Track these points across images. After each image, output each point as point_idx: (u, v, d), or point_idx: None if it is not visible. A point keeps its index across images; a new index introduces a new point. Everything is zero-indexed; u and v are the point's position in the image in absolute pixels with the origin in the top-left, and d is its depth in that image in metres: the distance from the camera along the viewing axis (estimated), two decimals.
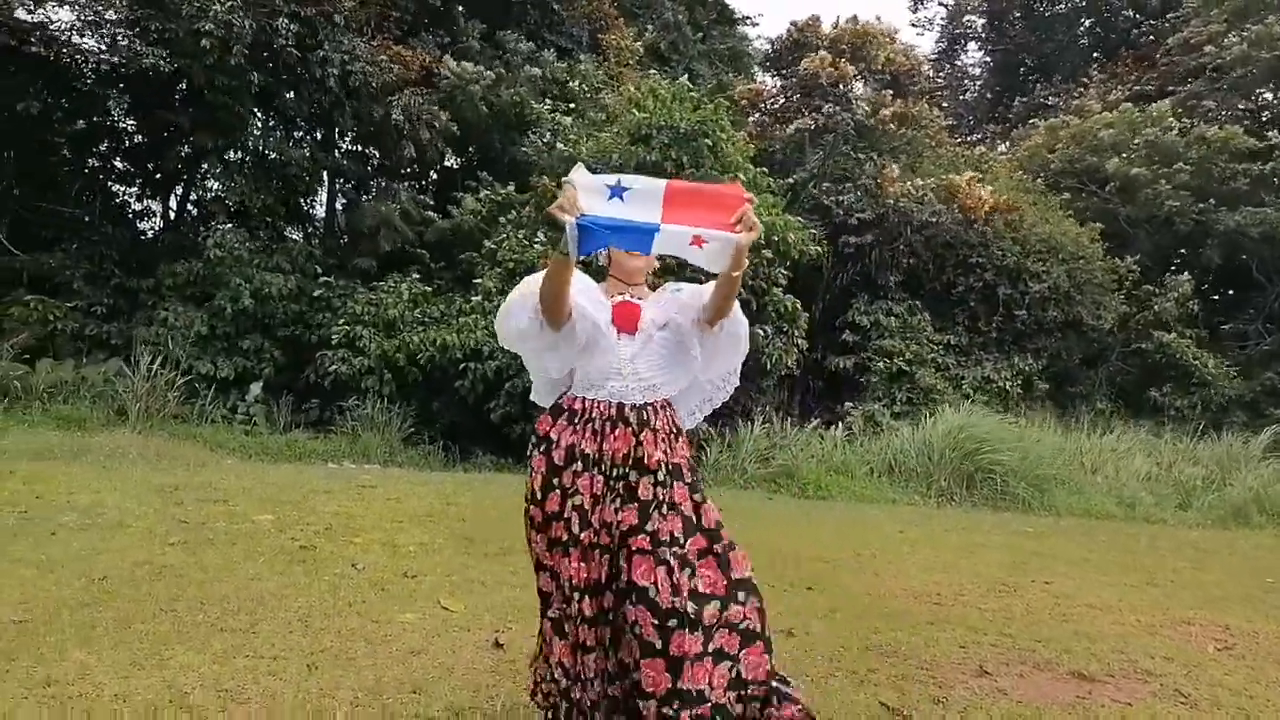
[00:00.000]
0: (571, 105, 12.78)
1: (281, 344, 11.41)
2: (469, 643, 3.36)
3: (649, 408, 2.42)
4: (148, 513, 5.14)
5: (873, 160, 14.93)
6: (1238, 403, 15.62)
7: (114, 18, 10.88)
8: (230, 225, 11.84)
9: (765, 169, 12.30)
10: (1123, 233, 17.43)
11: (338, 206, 14.25)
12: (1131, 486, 11.79)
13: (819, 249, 12.34)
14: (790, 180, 13.94)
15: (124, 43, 11.11)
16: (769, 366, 11.10)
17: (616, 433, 2.36)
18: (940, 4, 27.44)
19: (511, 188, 12.06)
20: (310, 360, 11.10)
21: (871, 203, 14.40)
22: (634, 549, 2.28)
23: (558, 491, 2.33)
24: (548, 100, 12.82)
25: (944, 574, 5.57)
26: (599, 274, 2.59)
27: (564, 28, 14.34)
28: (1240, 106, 19.40)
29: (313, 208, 14.39)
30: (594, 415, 2.38)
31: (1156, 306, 15.79)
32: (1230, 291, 18.98)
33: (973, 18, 26.73)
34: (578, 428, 2.37)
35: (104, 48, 11.42)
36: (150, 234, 13.41)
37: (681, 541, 2.27)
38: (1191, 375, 15.39)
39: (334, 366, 10.60)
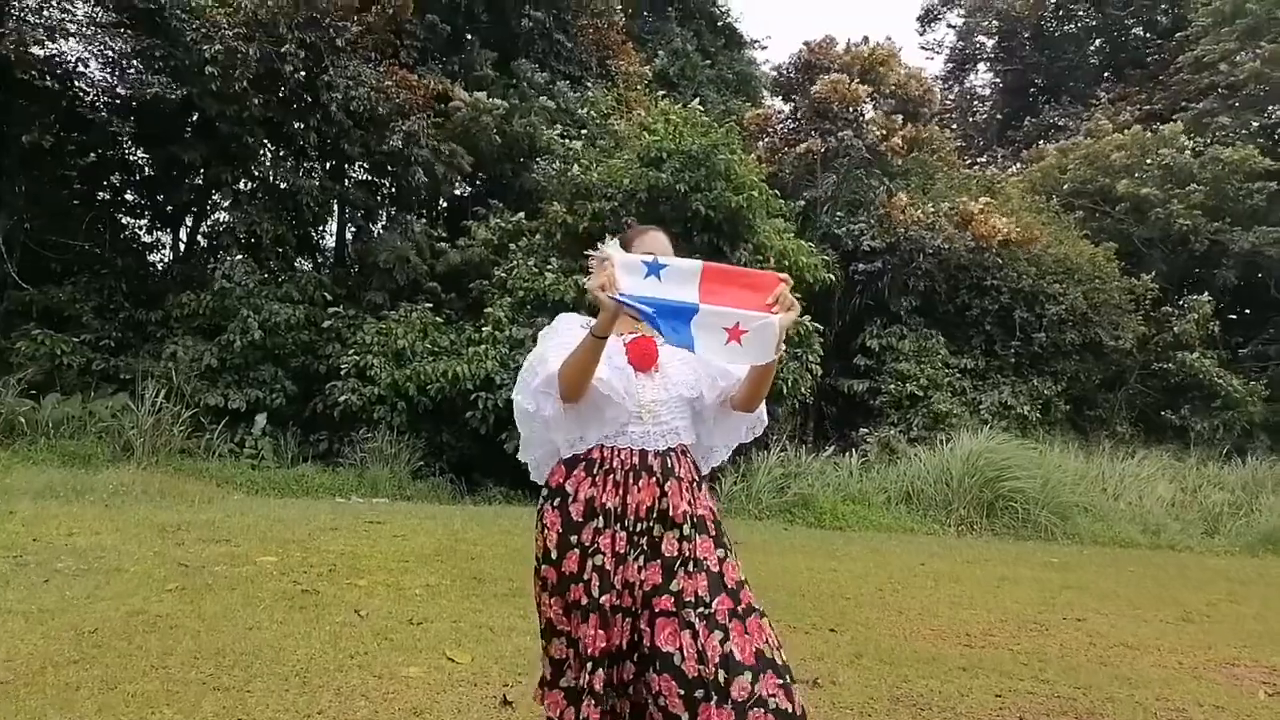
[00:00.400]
0: (582, 130, 12.73)
1: (292, 375, 11.31)
2: (476, 700, 3.16)
3: (672, 454, 2.20)
4: (147, 555, 4.99)
5: (886, 186, 14.81)
6: (1262, 426, 15.35)
7: (122, 48, 10.89)
8: (240, 256, 11.79)
9: (776, 191, 12.20)
10: (1138, 253, 17.25)
11: (347, 236, 14.21)
12: (1156, 513, 11.54)
13: (832, 276, 12.21)
14: (800, 202, 13.81)
15: (131, 73, 11.13)
16: (784, 392, 10.94)
17: (640, 483, 2.13)
18: (949, 26, 27.48)
19: (521, 215, 11.98)
20: (319, 391, 10.99)
21: (883, 231, 14.27)
22: (657, 611, 2.08)
23: (576, 550, 2.11)
24: (558, 126, 12.79)
25: (971, 611, 5.36)
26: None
27: (572, 54, 14.33)
28: (1254, 124, 19.25)
29: (322, 238, 14.35)
30: (615, 465, 2.15)
31: (1177, 328, 15.55)
32: (1247, 311, 18.71)
33: (982, 39, 26.71)
34: (597, 479, 2.14)
35: (113, 79, 11.44)
36: (160, 266, 13.37)
37: (708, 601, 2.08)
38: (1214, 397, 15.13)
39: (344, 397, 10.48)
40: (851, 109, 15.58)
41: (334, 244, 14.34)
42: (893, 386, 13.76)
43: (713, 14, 18.54)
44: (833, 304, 14.04)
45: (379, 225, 14.25)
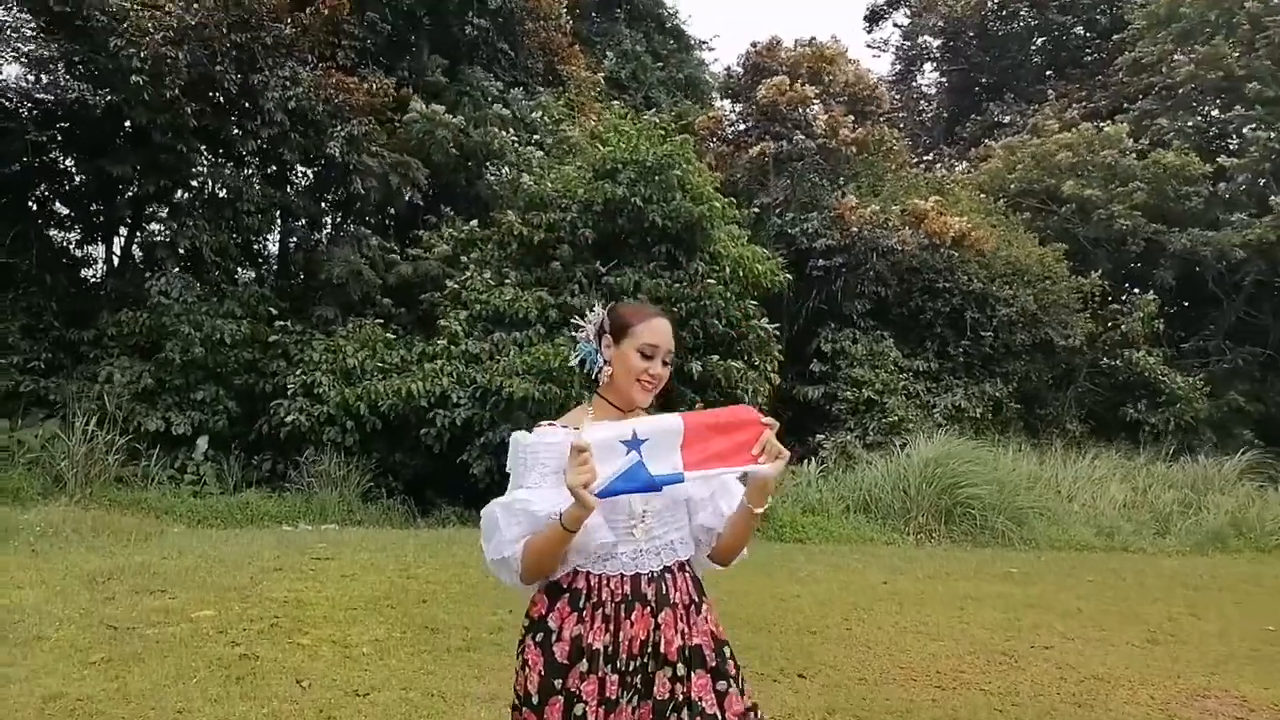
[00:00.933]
0: (534, 137, 12.48)
1: (235, 395, 10.86)
2: None
3: (668, 574, 1.96)
4: (73, 616, 4.65)
5: (838, 187, 14.80)
6: (1207, 423, 15.66)
7: (40, 53, 10.35)
8: (178, 270, 11.31)
9: (732, 199, 12.09)
10: (1084, 251, 17.49)
11: (290, 245, 13.73)
12: (1109, 515, 11.69)
13: (787, 277, 12.16)
14: (755, 209, 13.72)
15: (48, 78, 10.62)
16: (745, 399, 10.85)
17: (633, 616, 1.89)
18: (895, 25, 27.67)
19: (474, 223, 11.68)
20: (264, 412, 10.58)
21: (836, 231, 14.25)
22: None
23: (561, 698, 1.86)
24: (511, 131, 12.51)
25: (938, 642, 5.27)
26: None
27: (516, 62, 14.04)
28: (1190, 125, 19.65)
29: (264, 247, 13.85)
30: (603, 597, 1.90)
31: (1124, 326, 15.80)
32: (1187, 304, 19.09)
33: (928, 38, 26.93)
34: (584, 614, 1.89)
35: (32, 85, 10.91)
36: (92, 282, 12.78)
37: None
38: (1160, 394, 15.41)
39: (291, 417, 10.10)
40: (800, 110, 15.53)
41: (277, 254, 13.86)
42: (849, 393, 13.74)
43: (661, 16, 18.35)
44: (783, 307, 13.93)
45: (323, 234, 13.82)
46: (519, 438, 1.98)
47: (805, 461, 11.96)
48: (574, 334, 2.15)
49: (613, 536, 1.90)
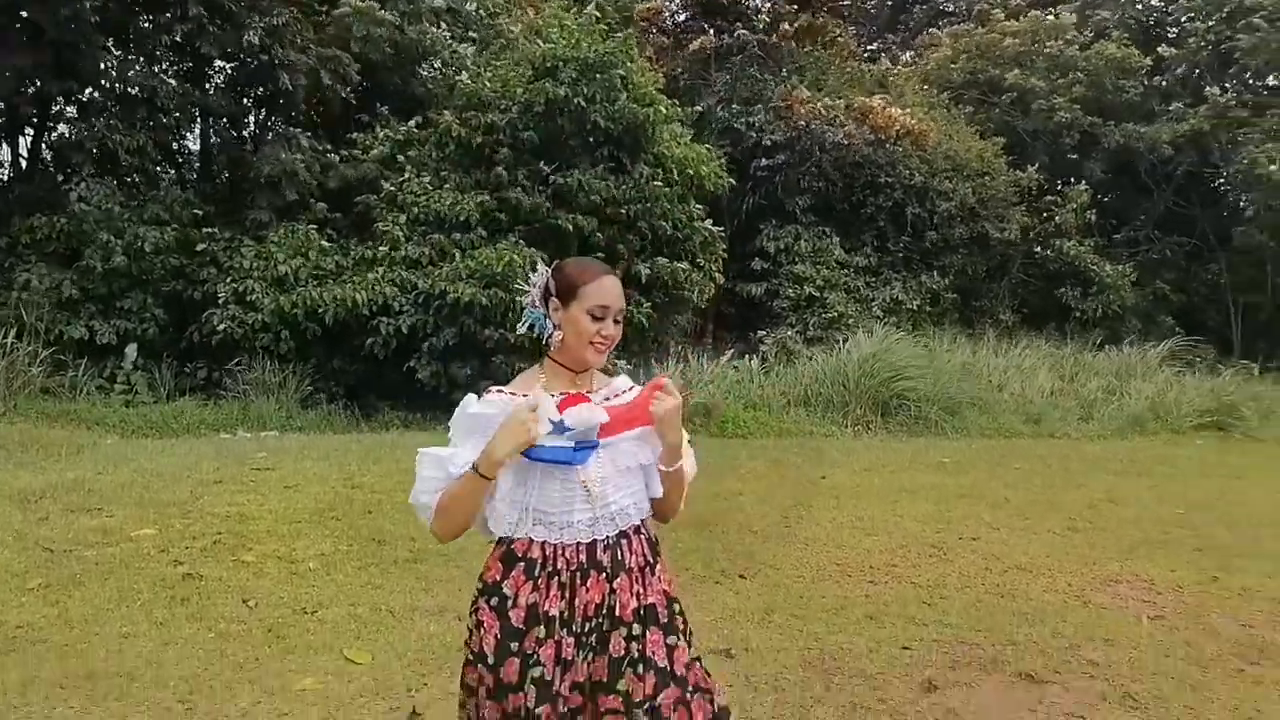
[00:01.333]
0: (470, 33, 11.93)
1: (163, 302, 10.50)
2: (380, 712, 3.00)
3: (623, 541, 1.95)
4: (5, 539, 4.56)
5: (783, 81, 14.54)
6: (1134, 311, 16.24)
7: None
8: (94, 173, 10.72)
9: (675, 100, 11.80)
10: (1022, 144, 17.63)
11: (214, 147, 13.08)
12: (1037, 403, 12.13)
13: (731, 181, 12.04)
14: (699, 109, 13.44)
15: None
16: (691, 299, 10.90)
17: (589, 582, 1.90)
18: None
19: (413, 124, 11.23)
20: (194, 320, 10.28)
21: (782, 125, 14.09)
22: (604, 710, 1.93)
23: (517, 659, 1.87)
24: (444, 26, 11.93)
25: (872, 538, 5.48)
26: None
27: None
28: (1130, 15, 19.63)
29: (185, 149, 13.17)
30: (559, 566, 1.90)
31: (1058, 218, 16.12)
32: (1120, 194, 19.49)
33: None
34: (539, 583, 1.89)
35: None
36: None
37: (655, 698, 1.93)
38: (1090, 283, 15.86)
39: (223, 325, 9.83)
40: (741, 1, 15.11)
41: (199, 157, 13.20)
42: (791, 290, 13.88)
43: None
44: (724, 205, 13.82)
45: (246, 133, 13.19)
46: (467, 402, 1.95)
47: (747, 357, 12.13)
48: (519, 297, 2.08)
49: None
